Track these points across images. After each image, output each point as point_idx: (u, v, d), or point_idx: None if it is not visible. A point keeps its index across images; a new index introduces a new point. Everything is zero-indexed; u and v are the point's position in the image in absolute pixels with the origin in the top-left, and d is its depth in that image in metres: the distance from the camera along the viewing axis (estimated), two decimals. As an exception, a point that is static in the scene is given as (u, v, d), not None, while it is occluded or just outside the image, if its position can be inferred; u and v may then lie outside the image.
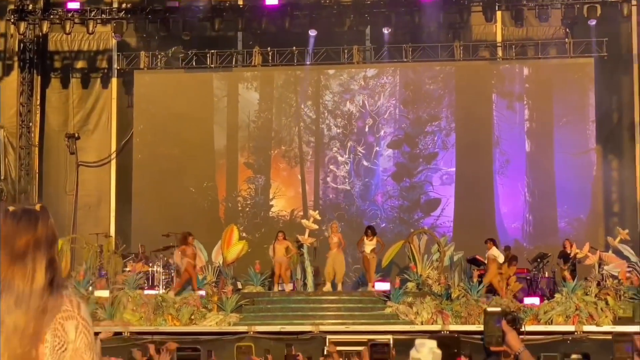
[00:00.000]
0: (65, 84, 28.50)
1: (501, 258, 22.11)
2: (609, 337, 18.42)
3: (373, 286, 22.95)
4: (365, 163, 27.59)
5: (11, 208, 3.46)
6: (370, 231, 23.49)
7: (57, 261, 3.45)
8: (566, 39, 26.90)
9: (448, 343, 2.52)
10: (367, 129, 27.76)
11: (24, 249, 3.39)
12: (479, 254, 23.23)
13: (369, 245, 23.24)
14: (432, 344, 2.70)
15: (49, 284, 3.37)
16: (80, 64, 28.63)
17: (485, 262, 22.96)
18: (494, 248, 22.25)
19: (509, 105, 27.43)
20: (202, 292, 22.31)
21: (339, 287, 22.95)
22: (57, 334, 3.35)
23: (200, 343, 18.11)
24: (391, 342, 20.16)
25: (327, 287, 22.82)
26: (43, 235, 3.43)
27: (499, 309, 4.26)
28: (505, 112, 27.34)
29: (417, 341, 2.71)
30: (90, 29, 26.85)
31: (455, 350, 2.57)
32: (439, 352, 2.68)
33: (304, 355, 16.33)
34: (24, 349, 3.28)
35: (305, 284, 23.43)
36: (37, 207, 3.50)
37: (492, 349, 4.27)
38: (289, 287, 23.03)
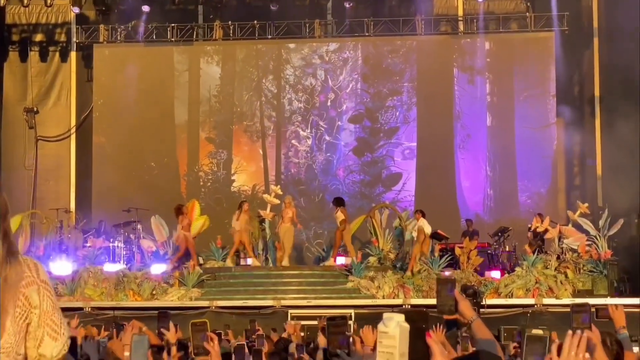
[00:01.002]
0: (23, 58, 28.15)
1: (428, 229, 22.06)
2: (568, 309, 18.61)
3: (334, 261, 22.94)
4: (327, 138, 27.56)
5: None
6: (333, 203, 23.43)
7: (10, 232, 3.43)
8: (527, 13, 26.98)
9: (415, 317, 2.52)
10: (329, 104, 27.71)
11: None
12: (441, 228, 23.30)
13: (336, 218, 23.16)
14: (400, 317, 2.67)
15: (5, 255, 3.35)
16: (38, 37, 28.28)
17: (447, 236, 23.08)
18: (422, 219, 22.21)
19: (470, 80, 27.48)
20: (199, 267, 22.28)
21: (285, 261, 22.65)
22: (18, 304, 3.33)
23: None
24: (353, 316, 20.27)
25: (285, 261, 22.69)
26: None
27: (451, 277, 4.26)
28: (467, 86, 27.40)
29: (385, 315, 2.68)
30: (49, 1, 26.50)
31: (424, 325, 2.58)
32: (406, 326, 2.65)
33: (265, 329, 16.32)
34: None
35: (267, 259, 23.40)
36: None
37: (445, 317, 4.26)
38: (256, 261, 22.90)
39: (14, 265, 3.36)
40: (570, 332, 3.24)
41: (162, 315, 6.64)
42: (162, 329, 6.48)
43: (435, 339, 2.81)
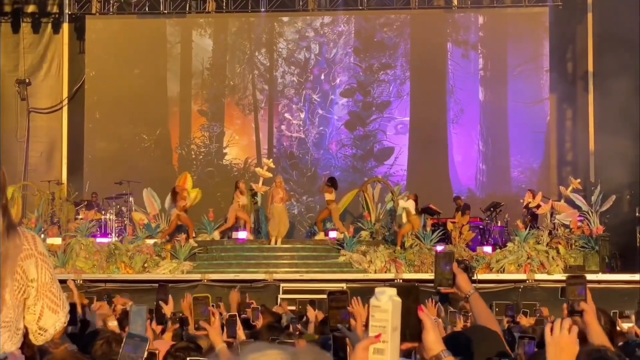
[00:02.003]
0: (15, 29, 27.97)
1: (413, 210, 22.10)
2: (560, 285, 18.69)
3: (326, 235, 22.96)
4: (319, 111, 27.51)
5: None
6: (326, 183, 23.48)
7: (8, 205, 3.42)
8: (521, -12, 26.88)
9: (407, 291, 2.51)
10: (322, 77, 27.64)
11: None
12: (433, 202, 23.33)
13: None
14: (392, 291, 2.67)
15: (5, 228, 3.34)
16: (30, 8, 28.09)
17: (439, 211, 23.13)
18: (411, 201, 22.22)
19: (464, 54, 27.44)
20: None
21: (279, 242, 22.56)
22: (16, 277, 3.32)
23: (154, 291, 18.07)
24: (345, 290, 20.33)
25: (272, 242, 22.59)
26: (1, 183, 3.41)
27: (449, 251, 4.27)
28: (460, 61, 27.35)
29: (377, 289, 2.68)
30: (41, -28, 26.36)
31: (416, 299, 2.57)
32: (398, 300, 2.65)
33: (257, 303, 16.34)
34: None
35: (259, 232, 23.41)
36: None
37: (442, 291, 4.28)
38: (250, 236, 22.90)
39: (13, 238, 3.34)
40: (560, 318, 3.24)
41: (162, 288, 6.65)
42: (160, 301, 6.49)
43: (428, 313, 2.81)
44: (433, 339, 2.80)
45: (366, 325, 2.67)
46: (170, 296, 6.69)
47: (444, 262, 4.24)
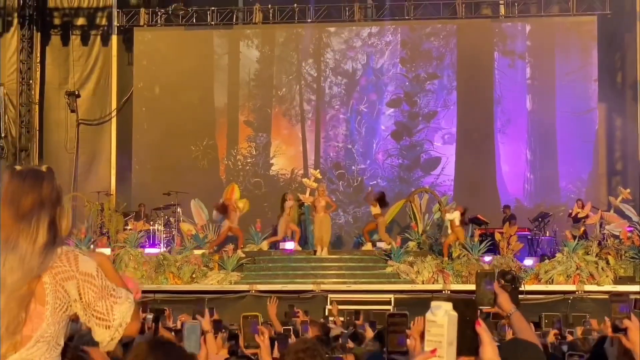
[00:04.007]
0: (65, 41, 28.32)
1: (458, 221, 22.01)
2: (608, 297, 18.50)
3: (372, 245, 22.92)
4: (366, 121, 27.50)
5: (18, 168, 3.48)
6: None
7: (58, 222, 3.45)
8: (569, -3, 26.73)
9: (464, 305, 2.50)
10: (369, 87, 27.65)
11: (30, 208, 3.40)
12: (480, 213, 23.23)
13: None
14: (448, 306, 2.66)
15: (49, 243, 3.37)
16: (80, 21, 28.42)
17: (487, 221, 23.02)
18: (456, 212, 22.13)
19: (511, 64, 27.31)
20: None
21: (325, 252, 22.54)
22: (58, 296, 3.36)
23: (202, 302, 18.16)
24: (392, 301, 20.28)
25: (325, 252, 22.59)
26: (48, 196, 3.45)
27: (491, 270, 4.26)
28: (507, 70, 27.23)
29: (433, 303, 2.68)
30: (90, -15, 26.66)
31: (472, 314, 2.55)
32: (454, 314, 2.65)
33: (305, 314, 16.36)
34: (17, 309, 3.29)
35: (306, 243, 23.44)
36: (44, 168, 3.52)
37: (484, 310, 4.27)
38: (297, 247, 22.94)
39: (48, 257, 3.39)
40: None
41: (199, 300, 6.69)
42: (197, 315, 6.53)
43: (485, 327, 2.79)
44: (491, 354, 2.79)
45: (422, 339, 2.67)
46: (211, 307, 6.72)
47: (485, 281, 4.23)
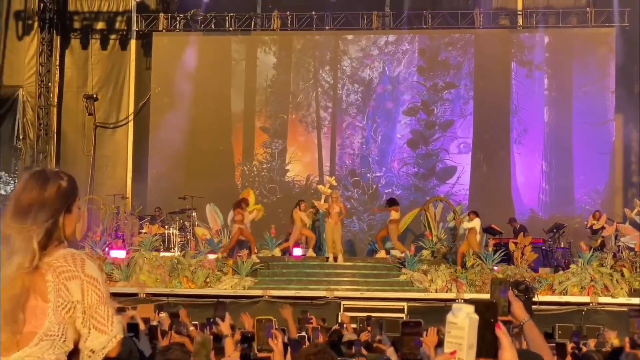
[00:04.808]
0: (84, 45, 28.47)
1: (479, 228, 22.00)
2: (624, 308, 18.42)
3: (386, 253, 22.93)
4: (382, 129, 27.52)
5: (37, 169, 3.51)
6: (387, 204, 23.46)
7: (61, 225, 3.45)
8: (588, 8, 26.70)
9: (485, 307, 2.51)
10: (385, 95, 27.67)
11: (28, 206, 3.41)
12: (495, 222, 23.20)
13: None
14: (470, 309, 2.67)
15: (43, 246, 3.38)
16: (99, 25, 28.57)
17: (501, 231, 22.99)
18: (476, 219, 22.10)
19: (529, 74, 27.29)
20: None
21: (340, 259, 22.55)
22: (60, 294, 3.37)
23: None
24: (406, 309, 20.27)
25: (340, 259, 22.52)
26: (50, 198, 3.45)
27: (505, 278, 4.27)
28: (525, 80, 27.20)
29: (455, 306, 2.69)
30: (110, -10, 26.77)
31: (493, 315, 2.57)
32: (475, 317, 2.66)
33: (323, 321, 16.37)
34: (12, 305, 3.31)
35: (320, 249, 23.46)
36: (55, 171, 3.53)
37: (499, 318, 4.27)
38: (311, 252, 22.97)
39: (49, 254, 3.41)
40: None
41: (220, 305, 6.68)
42: (217, 319, 6.52)
43: (505, 330, 2.81)
44: (510, 357, 2.80)
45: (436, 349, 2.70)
46: (227, 313, 6.73)
47: (499, 290, 4.25)
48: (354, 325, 15.89)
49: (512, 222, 24.04)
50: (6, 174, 26.85)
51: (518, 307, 4.29)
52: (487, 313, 2.71)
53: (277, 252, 23.04)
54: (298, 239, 23.02)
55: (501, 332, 2.75)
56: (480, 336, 2.67)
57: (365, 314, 17.19)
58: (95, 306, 3.40)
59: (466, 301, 2.67)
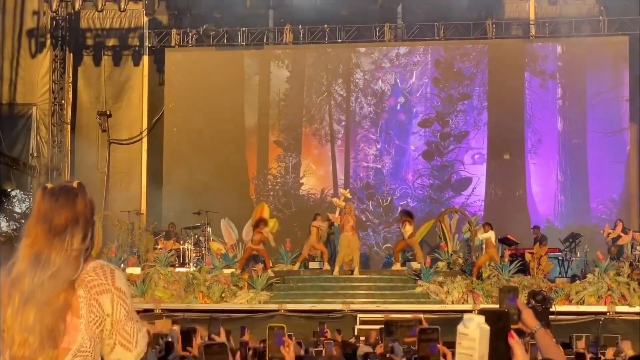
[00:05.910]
0: (97, 62, 28.56)
1: (494, 239, 21.90)
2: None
3: (402, 265, 22.83)
4: (396, 141, 27.49)
5: (49, 186, 3.50)
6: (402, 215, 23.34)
7: (92, 235, 3.49)
8: (600, 17, 26.62)
9: (497, 317, 2.48)
10: (398, 107, 27.65)
11: (64, 225, 3.42)
12: (511, 233, 23.11)
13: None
14: (481, 319, 2.64)
15: (82, 256, 3.40)
16: (112, 42, 28.66)
17: (517, 241, 22.90)
18: (490, 231, 22.01)
19: (542, 84, 27.23)
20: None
21: (356, 272, 22.41)
22: (92, 310, 3.37)
23: (232, 321, 18.19)
24: (422, 321, 20.18)
25: (336, 271, 22.38)
26: (81, 212, 3.48)
27: (514, 286, 4.22)
28: (538, 90, 27.14)
29: (466, 316, 2.66)
30: (122, 6, 26.76)
31: (505, 325, 2.53)
32: (486, 327, 2.63)
33: (332, 333, 16.31)
34: (54, 322, 3.31)
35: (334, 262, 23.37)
36: (75, 184, 3.54)
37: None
38: (327, 266, 22.86)
39: (82, 269, 3.41)
40: None
41: (214, 321, 6.71)
42: (212, 335, 6.52)
43: (518, 340, 2.77)
44: None
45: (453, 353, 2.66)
46: (227, 329, 6.73)
47: (509, 298, 4.20)
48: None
49: (536, 229, 23.93)
50: (21, 192, 26.91)
51: (528, 315, 4.25)
52: (499, 322, 2.67)
53: (297, 266, 22.93)
54: (311, 252, 22.94)
55: (514, 342, 2.71)
56: (492, 346, 2.63)
57: (381, 327, 17.10)
58: (123, 322, 3.41)
59: (479, 312, 2.63)
